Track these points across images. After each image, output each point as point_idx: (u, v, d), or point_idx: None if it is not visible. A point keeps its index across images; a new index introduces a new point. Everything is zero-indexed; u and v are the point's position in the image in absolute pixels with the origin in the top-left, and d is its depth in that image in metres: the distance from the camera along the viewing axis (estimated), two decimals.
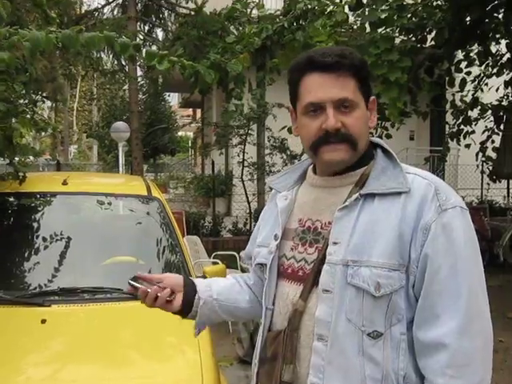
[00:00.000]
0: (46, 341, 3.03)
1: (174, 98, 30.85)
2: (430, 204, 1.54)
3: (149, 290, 1.81)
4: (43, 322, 3.01)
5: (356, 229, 1.57)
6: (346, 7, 6.92)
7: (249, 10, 7.82)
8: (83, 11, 12.64)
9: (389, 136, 8.61)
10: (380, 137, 8.76)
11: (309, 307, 1.62)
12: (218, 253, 7.67)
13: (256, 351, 1.78)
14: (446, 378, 1.49)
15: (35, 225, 4.00)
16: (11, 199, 4.20)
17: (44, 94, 7.48)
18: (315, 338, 1.58)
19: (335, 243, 1.58)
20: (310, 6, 6.91)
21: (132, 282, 1.84)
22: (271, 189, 1.92)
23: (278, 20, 7.20)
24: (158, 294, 1.81)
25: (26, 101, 5.22)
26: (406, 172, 1.63)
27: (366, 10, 6.76)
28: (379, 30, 6.75)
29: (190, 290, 1.87)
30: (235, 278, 2.02)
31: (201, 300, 1.87)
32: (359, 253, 1.55)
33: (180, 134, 31.76)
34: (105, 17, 11.52)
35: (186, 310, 1.87)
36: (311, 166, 1.80)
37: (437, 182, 1.60)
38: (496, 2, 7.73)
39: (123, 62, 11.08)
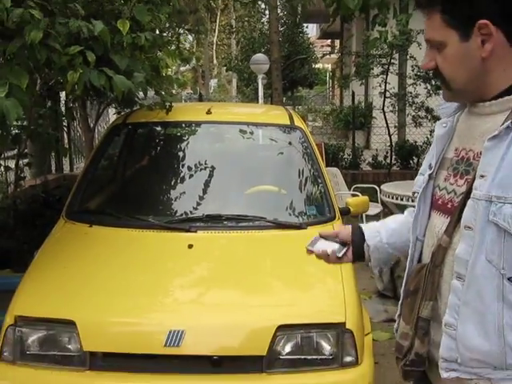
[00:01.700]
0: (192, 265, 3.14)
1: (312, 30, 30.34)
2: None
3: (320, 251, 1.92)
4: (190, 246, 3.10)
5: (504, 161, 1.42)
6: None
7: None
8: None
9: None
10: None
11: (453, 243, 1.52)
12: (358, 185, 7.57)
13: (404, 282, 1.73)
14: None
15: (181, 154, 4.11)
16: (158, 128, 4.33)
17: (186, 27, 7.60)
18: (454, 276, 1.49)
19: (482, 176, 1.45)
20: None
21: (309, 248, 1.95)
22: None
23: None
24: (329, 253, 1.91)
25: (171, 33, 5.31)
26: None
27: None
28: None
29: (358, 239, 1.91)
30: (408, 214, 1.91)
31: (370, 247, 1.89)
32: (505, 188, 1.40)
33: (318, 66, 31.35)
34: None
35: (357, 259, 1.94)
36: None
37: None
38: None
39: None
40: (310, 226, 3.34)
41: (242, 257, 3.19)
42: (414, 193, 1.74)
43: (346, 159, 10.87)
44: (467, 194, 1.49)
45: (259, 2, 12.22)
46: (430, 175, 1.65)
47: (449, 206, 1.57)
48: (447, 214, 1.57)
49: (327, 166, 8.99)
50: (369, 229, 1.93)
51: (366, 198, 4.02)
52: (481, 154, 1.49)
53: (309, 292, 2.98)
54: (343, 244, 1.91)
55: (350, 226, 1.95)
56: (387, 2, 6.49)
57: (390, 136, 10.23)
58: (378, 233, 1.90)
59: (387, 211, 6.68)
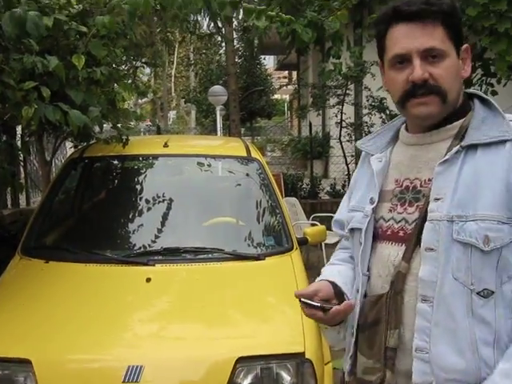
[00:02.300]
0: (150, 299, 3.11)
1: (269, 61, 30.74)
2: None
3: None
4: (148, 280, 3.09)
5: (459, 183, 1.50)
6: None
7: None
8: None
9: (494, 93, 8.17)
10: (485, 94, 8.34)
11: (412, 268, 1.55)
12: (317, 214, 7.64)
13: (352, 319, 1.71)
14: None
15: (138, 187, 4.10)
16: (116, 162, 4.32)
17: (143, 60, 7.63)
18: (419, 300, 1.52)
19: (437, 199, 1.51)
20: None
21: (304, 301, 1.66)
22: (361, 151, 1.85)
23: None
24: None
25: (127, 66, 5.32)
26: (509, 119, 1.54)
27: None
28: None
29: (341, 296, 1.71)
30: (344, 262, 1.86)
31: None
32: (464, 207, 1.47)
33: (276, 96, 31.69)
34: None
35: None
36: (404, 125, 1.73)
37: None
38: None
39: (219, 24, 11.09)
40: (268, 257, 3.38)
41: (201, 289, 3.19)
42: (351, 229, 1.75)
43: (304, 189, 10.97)
44: (422, 220, 1.54)
45: (215, 35, 12.34)
46: (373, 209, 1.67)
47: (401, 234, 1.60)
48: (401, 242, 1.60)
49: (286, 195, 9.06)
50: (343, 284, 1.75)
51: (323, 227, 4.06)
52: (429, 180, 1.56)
53: (268, 323, 2.98)
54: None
55: (327, 283, 1.72)
56: (341, 35, 6.64)
57: (347, 165, 10.39)
58: (346, 284, 1.76)
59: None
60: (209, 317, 2.94)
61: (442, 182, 1.52)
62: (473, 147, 1.52)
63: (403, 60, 1.54)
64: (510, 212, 1.45)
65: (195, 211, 3.89)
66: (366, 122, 10.20)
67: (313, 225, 5.46)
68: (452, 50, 1.55)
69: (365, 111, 10.35)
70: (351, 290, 1.74)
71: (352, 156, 10.72)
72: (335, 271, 1.82)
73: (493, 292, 1.46)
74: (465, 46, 1.60)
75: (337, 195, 10.59)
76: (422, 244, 1.53)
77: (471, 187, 1.48)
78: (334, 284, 1.72)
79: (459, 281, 1.47)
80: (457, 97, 1.59)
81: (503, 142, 1.49)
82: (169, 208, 3.78)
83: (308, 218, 7.29)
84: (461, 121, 1.59)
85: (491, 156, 1.49)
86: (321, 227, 4.09)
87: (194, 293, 3.13)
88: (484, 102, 1.63)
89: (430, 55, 1.52)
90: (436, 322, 1.49)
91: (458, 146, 1.53)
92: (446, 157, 1.53)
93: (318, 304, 1.62)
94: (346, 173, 10.42)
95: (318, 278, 1.80)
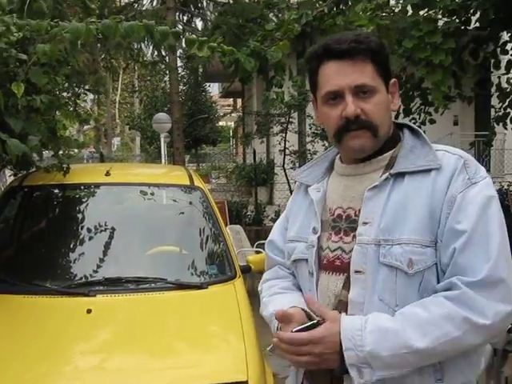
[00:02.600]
0: (91, 330, 3.06)
1: (214, 88, 30.89)
2: (457, 176, 1.54)
3: None
4: (89, 311, 3.03)
5: (387, 208, 1.56)
6: None
7: None
8: (123, 3, 12.72)
9: (432, 121, 8.42)
10: (423, 122, 8.59)
11: None
12: (261, 242, 7.65)
13: None
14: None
15: (79, 216, 4.04)
16: (56, 191, 4.25)
17: (86, 87, 7.57)
18: None
19: (365, 223, 1.57)
20: None
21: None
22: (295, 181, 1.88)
23: (317, 5, 7.08)
24: None
25: (69, 94, 5.27)
26: (436, 149, 1.61)
27: None
28: (421, 12, 6.59)
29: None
30: (291, 290, 1.82)
31: None
32: (391, 231, 1.53)
33: (221, 123, 31.84)
34: (144, 8, 11.57)
35: None
36: (338, 156, 1.78)
37: (466, 156, 1.60)
38: None
39: (163, 53, 11.12)
40: (211, 286, 3.37)
41: (144, 319, 3.15)
42: (294, 261, 1.76)
43: (249, 216, 11.02)
44: None
45: (159, 63, 12.36)
46: (318, 238, 1.69)
47: (337, 263, 1.64)
48: (339, 271, 1.63)
49: (231, 223, 9.08)
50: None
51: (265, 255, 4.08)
52: None
53: (211, 352, 2.97)
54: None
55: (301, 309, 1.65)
56: (283, 65, 6.76)
57: (291, 192, 10.47)
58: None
59: None
60: (152, 347, 2.91)
61: (371, 207, 1.58)
62: (401, 175, 1.59)
63: (336, 96, 1.60)
64: (433, 236, 1.52)
65: (138, 240, 3.86)
66: (309, 150, 10.37)
67: (257, 252, 5.46)
68: (381, 86, 1.61)
69: (308, 139, 10.52)
70: None
71: (295, 183, 10.84)
72: (296, 298, 1.74)
73: None
74: (393, 80, 1.67)
75: None
76: (351, 266, 1.57)
77: (398, 212, 1.54)
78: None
79: (384, 302, 1.53)
80: (387, 130, 1.65)
81: (429, 170, 1.56)
82: (111, 237, 3.73)
83: (252, 245, 7.29)
84: (391, 152, 1.65)
85: (417, 183, 1.56)
86: (263, 255, 4.10)
87: (136, 323, 3.09)
88: (413, 131, 1.70)
89: (361, 91, 1.58)
90: None
91: (387, 173, 1.59)
92: (376, 183, 1.59)
93: (316, 320, 1.54)
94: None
95: (269, 309, 1.78)
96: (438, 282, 1.52)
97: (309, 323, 1.54)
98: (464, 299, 1.45)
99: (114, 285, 3.35)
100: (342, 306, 1.59)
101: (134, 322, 3.11)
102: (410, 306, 1.50)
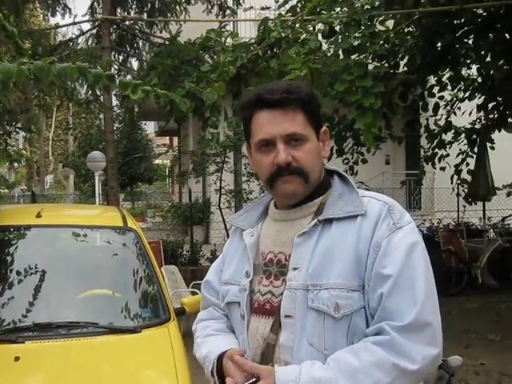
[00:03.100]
0: (20, 379, 2.95)
1: (150, 127, 30.81)
2: (382, 222, 1.59)
3: None
4: (16, 359, 2.93)
5: (315, 254, 1.60)
6: (319, 35, 6.99)
7: (223, 39, 7.85)
8: (57, 41, 12.62)
9: (365, 161, 8.66)
10: (356, 162, 8.82)
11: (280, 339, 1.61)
12: (197, 282, 7.59)
13: None
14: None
15: (9, 258, 3.92)
16: None
17: (18, 125, 7.45)
18: (282, 365, 1.57)
19: (295, 269, 1.61)
20: (283, 35, 6.95)
21: None
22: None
23: (252, 48, 7.23)
24: None
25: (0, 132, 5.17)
26: (362, 196, 1.67)
27: (339, 37, 6.83)
28: (352, 57, 6.82)
29: None
30: (225, 332, 1.85)
31: None
32: (318, 276, 1.57)
33: (157, 162, 31.69)
34: (79, 47, 11.51)
35: None
36: (273, 201, 1.82)
37: (390, 202, 1.66)
38: (465, 29, 7.88)
39: (98, 92, 11.05)
40: (145, 329, 3.32)
41: (75, 366, 3.06)
42: (227, 303, 1.79)
43: (185, 255, 10.93)
44: None
45: (94, 103, 12.27)
46: (250, 282, 1.71)
47: (267, 306, 1.66)
48: (268, 315, 1.65)
49: (166, 263, 8.98)
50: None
51: (200, 296, 4.05)
52: None
53: None
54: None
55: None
56: (218, 106, 6.85)
57: (227, 231, 10.50)
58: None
59: None
60: None
61: (300, 252, 1.62)
62: (329, 221, 1.63)
63: (268, 144, 1.65)
64: (360, 280, 1.56)
65: (70, 284, 3.77)
66: (245, 189, 10.44)
67: (193, 293, 5.43)
68: (312, 134, 1.67)
69: (243, 178, 10.60)
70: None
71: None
72: (230, 341, 1.77)
73: None
74: (323, 128, 1.74)
75: None
76: (281, 311, 1.60)
77: (325, 258, 1.58)
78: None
79: (314, 346, 1.56)
80: (318, 176, 1.70)
81: (355, 216, 1.61)
82: (41, 281, 3.63)
83: (188, 285, 7.23)
84: (320, 198, 1.70)
85: (344, 229, 1.61)
86: (198, 296, 4.08)
87: (67, 370, 3.00)
88: (342, 178, 1.75)
89: (293, 139, 1.63)
90: None
91: (316, 219, 1.64)
92: (305, 229, 1.63)
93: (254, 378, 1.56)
94: (227, 238, 10.50)
95: (202, 350, 1.80)
96: (368, 326, 1.55)
97: (250, 381, 1.56)
98: (392, 344, 1.48)
99: (44, 330, 3.25)
100: (270, 348, 1.62)
101: (64, 369, 3.02)
102: (341, 351, 1.52)
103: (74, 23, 11.48)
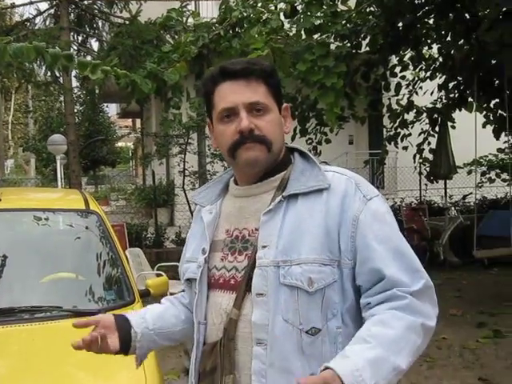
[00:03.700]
0: None
1: (112, 109, 30.45)
2: (353, 197, 1.62)
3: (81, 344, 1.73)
4: None
5: (283, 230, 1.61)
6: (281, 14, 6.98)
7: (184, 19, 7.77)
8: (14, 22, 12.33)
9: (328, 141, 8.70)
10: (319, 142, 8.86)
11: (243, 314, 1.62)
12: (162, 264, 7.57)
13: (192, 368, 1.75)
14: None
15: None
16: None
17: None
18: (254, 343, 1.58)
19: (264, 246, 1.61)
20: (245, 14, 6.91)
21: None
22: (196, 204, 1.91)
23: (213, 28, 7.18)
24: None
25: None
26: (325, 170, 1.69)
27: (301, 17, 6.83)
28: (314, 37, 6.82)
29: (125, 327, 1.80)
30: (169, 301, 1.98)
31: (138, 334, 1.81)
32: (288, 252, 1.58)
33: (120, 144, 31.38)
34: (37, 27, 11.26)
35: (124, 348, 1.79)
36: (232, 178, 1.82)
37: (355, 177, 1.69)
38: (426, 8, 7.94)
39: (57, 73, 10.84)
40: (109, 311, 3.29)
41: (40, 350, 3.03)
42: (187, 280, 1.81)
43: (149, 238, 10.88)
44: (251, 267, 1.62)
45: (53, 85, 12.05)
46: (205, 259, 1.72)
47: (232, 282, 1.67)
48: (232, 290, 1.66)
49: (130, 246, 8.92)
50: (135, 315, 1.87)
51: (165, 278, 4.05)
52: (256, 230, 1.65)
53: (112, 380, 2.91)
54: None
55: (111, 315, 1.82)
56: (180, 86, 6.78)
57: (191, 212, 10.46)
58: (144, 318, 1.86)
59: None
60: (50, 378, 2.81)
61: (268, 230, 1.62)
62: (294, 197, 1.64)
63: (230, 114, 1.64)
64: (331, 254, 1.58)
65: (32, 268, 3.71)
66: (209, 170, 10.41)
67: (158, 275, 5.40)
68: (274, 106, 1.69)
69: (207, 159, 10.56)
70: (155, 322, 1.86)
71: (196, 204, 10.85)
72: (145, 308, 1.95)
73: (320, 329, 1.57)
74: (285, 105, 1.75)
75: (182, 243, 10.56)
76: (252, 290, 1.60)
77: (294, 233, 1.59)
78: (123, 317, 1.82)
79: (289, 322, 1.57)
80: (280, 148, 1.71)
81: (320, 190, 1.63)
82: (3, 266, 3.58)
83: (153, 267, 7.21)
84: (282, 173, 1.70)
85: (310, 204, 1.62)
86: (163, 278, 4.07)
87: (31, 355, 2.97)
88: (303, 155, 1.76)
89: (255, 109, 1.64)
90: (271, 363, 1.56)
91: (280, 196, 1.65)
92: (270, 207, 1.64)
93: None
94: (191, 220, 10.49)
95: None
96: (342, 299, 1.59)
97: None
98: (414, 307, 1.53)
99: (7, 315, 3.21)
100: (232, 323, 1.62)
101: (29, 354, 2.98)
102: (371, 326, 1.52)
103: (31, 2, 11.26)
